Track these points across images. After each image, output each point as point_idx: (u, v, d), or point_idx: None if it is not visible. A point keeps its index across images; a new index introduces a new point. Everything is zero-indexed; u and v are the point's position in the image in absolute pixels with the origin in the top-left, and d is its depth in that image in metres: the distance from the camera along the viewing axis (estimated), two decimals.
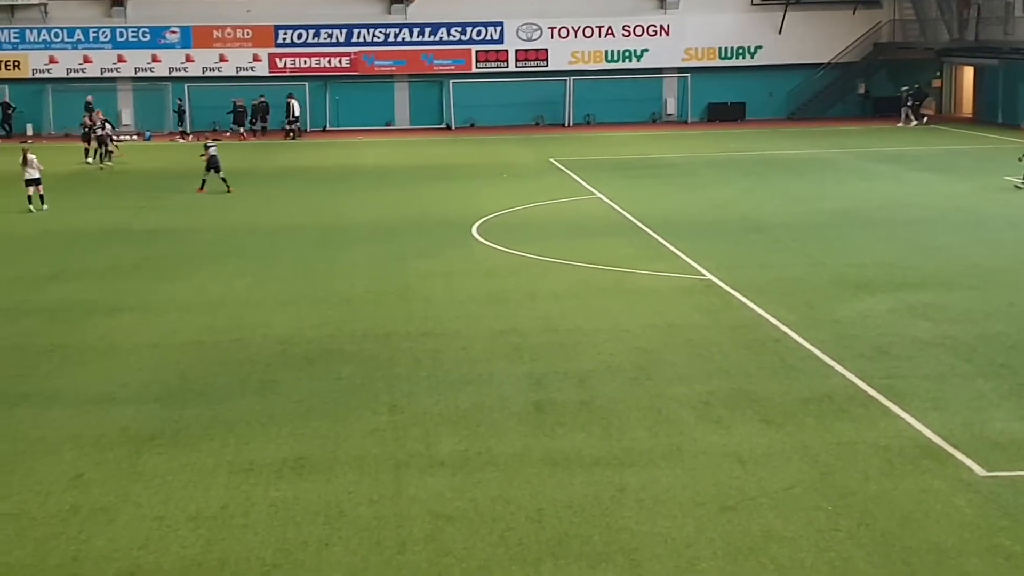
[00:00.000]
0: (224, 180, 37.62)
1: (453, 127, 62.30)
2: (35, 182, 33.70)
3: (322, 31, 61.57)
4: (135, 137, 58.04)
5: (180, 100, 59.40)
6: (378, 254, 26.68)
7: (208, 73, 61.07)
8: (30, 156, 33.77)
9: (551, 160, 46.21)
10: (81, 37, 60.38)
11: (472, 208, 33.26)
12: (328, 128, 61.92)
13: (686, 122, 63.85)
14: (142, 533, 11.69)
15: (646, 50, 63.30)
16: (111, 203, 35.71)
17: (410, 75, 62.62)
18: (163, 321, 20.62)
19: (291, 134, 57.64)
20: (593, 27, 62.84)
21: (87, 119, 46.25)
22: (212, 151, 38.16)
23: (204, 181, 37.88)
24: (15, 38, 60.21)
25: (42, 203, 33.80)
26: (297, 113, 58.61)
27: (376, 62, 62.05)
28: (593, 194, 36.22)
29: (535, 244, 27.21)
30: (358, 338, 19.19)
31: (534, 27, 62.51)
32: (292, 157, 49.94)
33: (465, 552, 11.21)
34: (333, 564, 11.01)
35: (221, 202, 35.88)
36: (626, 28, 63.06)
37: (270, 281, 23.98)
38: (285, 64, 61.67)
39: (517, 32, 62.53)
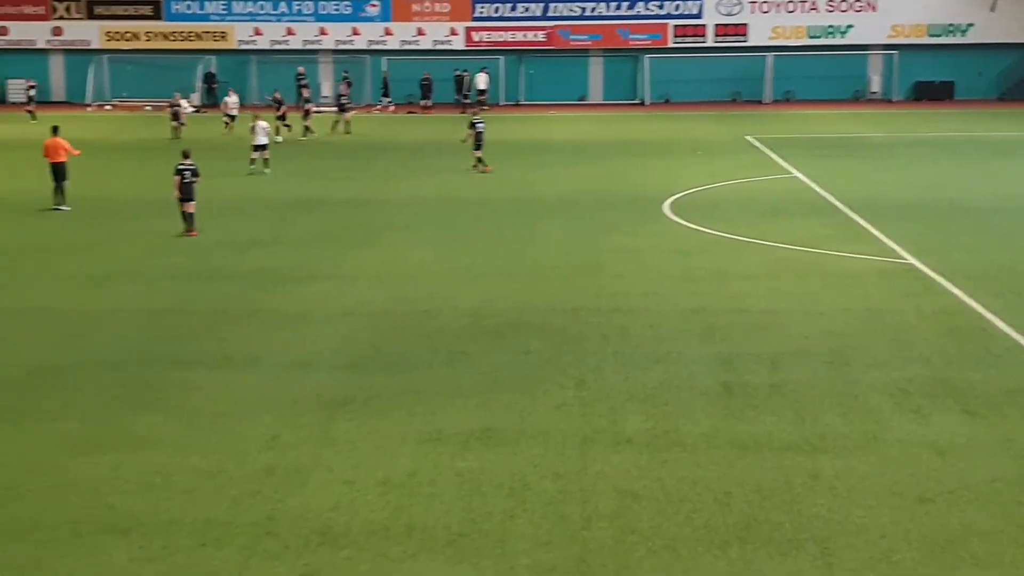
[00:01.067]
0: (480, 160, 36.05)
1: (647, 103, 61.79)
2: (262, 147, 35.59)
3: (519, 5, 61.74)
4: (333, 109, 59.24)
5: (346, 72, 59.86)
6: (568, 229, 26.62)
7: (405, 47, 61.90)
8: (260, 123, 35.75)
9: (747, 138, 45.41)
10: (285, 9, 61.88)
11: (664, 185, 32.91)
12: (521, 103, 62.12)
13: (891, 101, 61.95)
14: (333, 496, 11.90)
15: (851, 26, 61.60)
16: (313, 172, 36.50)
17: (605, 50, 62.32)
18: (356, 290, 20.97)
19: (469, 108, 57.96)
20: (796, 2, 61.44)
21: (277, 94, 47.22)
22: (480, 127, 35.97)
23: (480, 160, 35.84)
24: (223, 10, 62.05)
25: (265, 166, 35.61)
26: (482, 87, 58.95)
27: (572, 36, 61.95)
28: (790, 173, 35.45)
29: (728, 223, 26.75)
30: (547, 312, 19.17)
31: (734, 2, 61.48)
32: (437, 129, 50.24)
33: (651, 531, 11.08)
34: (518, 536, 11.01)
35: (413, 174, 36.30)
36: (831, 4, 61.48)
37: (461, 253, 24.16)
38: (481, 38, 62.08)
39: (717, 7, 61.60)
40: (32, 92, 54.27)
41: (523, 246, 24.77)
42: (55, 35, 62.35)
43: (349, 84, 54.57)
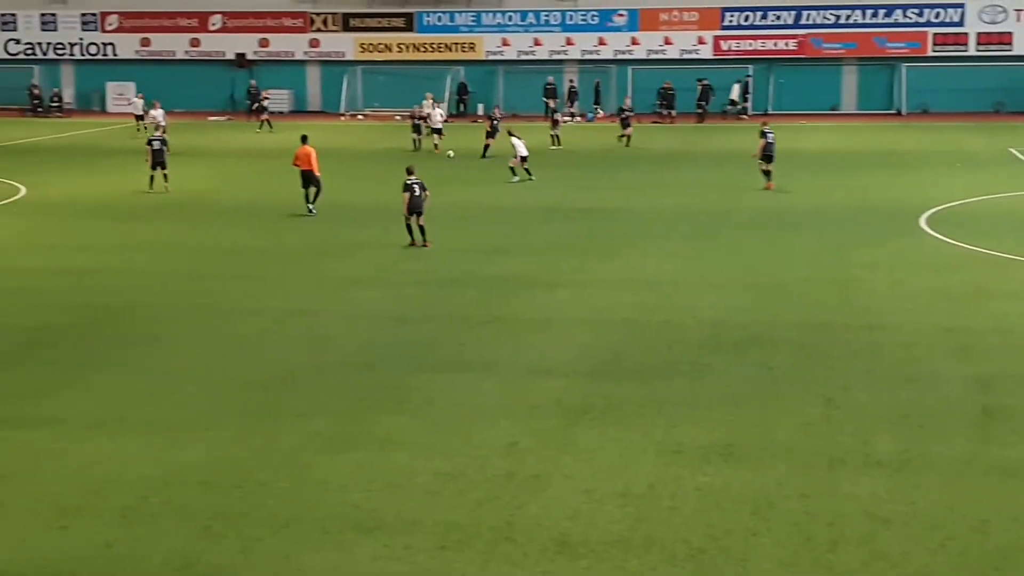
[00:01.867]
0: (767, 174, 34.18)
1: (904, 112, 59.77)
2: (524, 158, 36.05)
3: (770, 13, 60.69)
4: (578, 118, 59.47)
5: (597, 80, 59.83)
6: (816, 240, 25.92)
7: (652, 56, 61.67)
8: (514, 139, 36.41)
9: (1011, 150, 43.38)
10: (533, 20, 62.54)
11: (921, 197, 31.71)
12: (770, 112, 61.03)
13: None
14: (572, 504, 11.82)
15: None
16: (554, 181, 36.68)
17: (859, 58, 60.60)
18: (597, 298, 20.90)
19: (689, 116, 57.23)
20: None
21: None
22: (771, 138, 34.08)
23: (768, 173, 33.92)
24: (472, 21, 63.17)
25: (529, 175, 36.04)
26: (734, 97, 58.24)
27: (824, 45, 60.49)
28: None
29: (990, 239, 25.55)
30: (791, 326, 18.67)
31: (998, 9, 58.87)
32: (731, 140, 49.58)
33: (901, 558, 10.59)
34: (761, 555, 10.69)
35: (654, 183, 36.06)
36: None
37: (702, 263, 23.83)
38: (729, 47, 61.31)
39: (980, 14, 59.10)
40: (265, 102, 56.03)
41: (768, 257, 24.25)
42: (312, 47, 64.66)
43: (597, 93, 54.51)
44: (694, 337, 18.11)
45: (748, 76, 59.30)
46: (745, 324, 18.83)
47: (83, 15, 66.04)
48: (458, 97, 62.58)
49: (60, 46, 66.40)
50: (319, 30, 64.34)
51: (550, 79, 59.44)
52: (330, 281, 22.40)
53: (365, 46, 63.99)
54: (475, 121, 50.15)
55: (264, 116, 54.27)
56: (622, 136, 46.92)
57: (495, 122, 43.60)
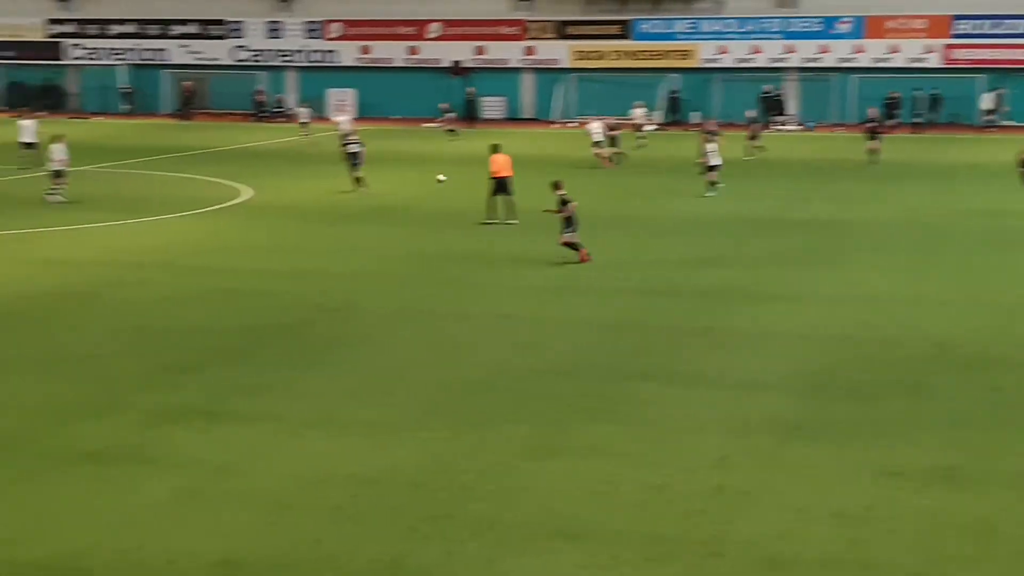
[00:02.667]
0: None
1: None
2: (715, 167, 35.09)
3: (1004, 22, 58.34)
4: (798, 126, 58.36)
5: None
6: None
7: (877, 64, 60.03)
8: (709, 146, 35.26)
9: None
10: (753, 27, 61.67)
11: None
12: (999, 124, 58.64)
13: None
14: (783, 523, 11.47)
15: None
16: (767, 192, 36.02)
17: None
18: (813, 312, 20.36)
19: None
20: None
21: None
22: None
23: None
24: (689, 28, 62.67)
25: (713, 189, 34.93)
26: (988, 107, 56.40)
27: None
28: None
29: None
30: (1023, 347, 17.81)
31: None
32: (963, 152, 47.87)
33: None
34: None
35: (874, 195, 35.00)
36: None
37: (927, 279, 22.98)
38: (959, 56, 59.17)
39: None
40: (451, 114, 56.51)
41: (999, 275, 23.24)
42: (527, 54, 65.22)
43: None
44: (917, 355, 17.44)
45: (999, 88, 57.05)
46: (972, 343, 18.05)
47: (307, 23, 68.14)
48: (670, 104, 62.15)
49: (284, 53, 68.66)
50: (535, 37, 64.83)
51: (767, 87, 58.52)
52: (538, 288, 22.42)
53: (580, 53, 64.19)
54: (687, 130, 49.61)
55: (446, 124, 55.04)
56: (871, 150, 43.12)
57: (711, 134, 41.37)
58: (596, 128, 42.71)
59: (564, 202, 24.58)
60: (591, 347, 18.16)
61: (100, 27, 70.76)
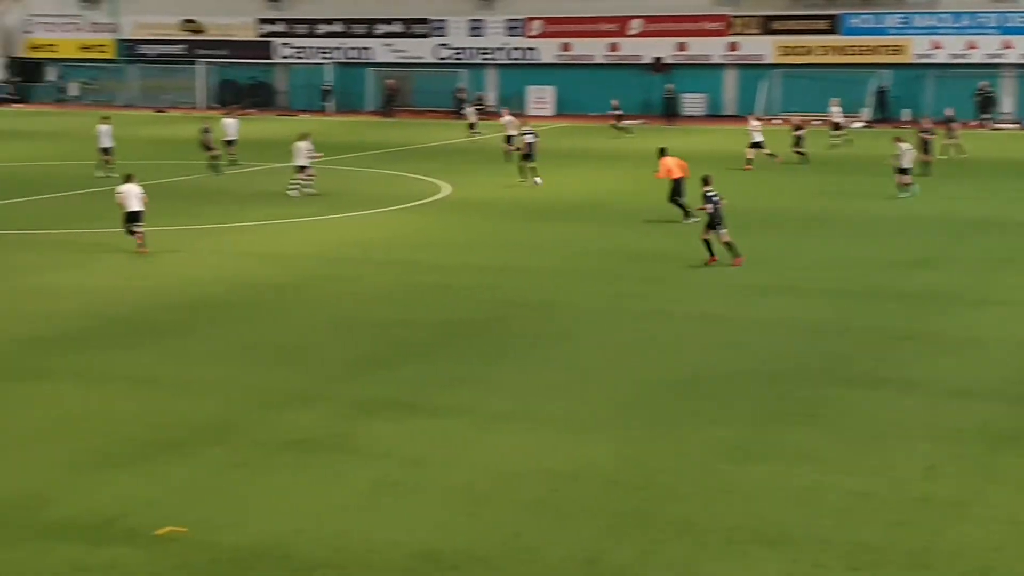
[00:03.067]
0: None
1: None
2: (905, 171, 33.23)
3: None
4: (1014, 124, 56.09)
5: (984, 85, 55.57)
6: None
7: None
8: (903, 145, 33.45)
9: None
10: (968, 22, 59.50)
11: None
12: None
13: None
14: (996, 535, 11.01)
15: None
16: (976, 192, 34.67)
17: None
18: None
19: None
20: None
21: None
22: None
23: None
24: (900, 23, 60.86)
25: (906, 190, 33.15)
26: None
27: None
28: None
29: None
30: None
31: None
32: None
33: None
34: None
35: None
36: None
37: None
38: None
39: None
40: (619, 111, 55.69)
41: None
42: (730, 50, 64.37)
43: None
44: None
45: None
46: None
47: (508, 21, 68.66)
48: (878, 102, 60.47)
49: (486, 51, 69.31)
50: (738, 33, 63.95)
51: (982, 84, 56.39)
52: (738, 288, 22.04)
53: (785, 49, 63.04)
54: (896, 127, 48.14)
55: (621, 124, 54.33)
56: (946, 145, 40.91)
57: (926, 135, 38.76)
58: (755, 126, 41.56)
59: (708, 198, 23.77)
60: (795, 349, 17.75)
61: (308, 26, 72.69)
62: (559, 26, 67.37)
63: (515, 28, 68.66)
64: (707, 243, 23.74)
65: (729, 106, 64.70)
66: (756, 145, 40.44)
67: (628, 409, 14.85)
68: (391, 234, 28.10)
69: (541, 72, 67.75)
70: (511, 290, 21.90)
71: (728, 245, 23.65)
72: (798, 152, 41.58)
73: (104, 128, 38.51)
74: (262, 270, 23.72)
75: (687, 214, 28.62)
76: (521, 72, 68.35)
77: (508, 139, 42.22)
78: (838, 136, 47.83)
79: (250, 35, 74.08)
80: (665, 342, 18.25)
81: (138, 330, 18.92)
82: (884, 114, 59.54)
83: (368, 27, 71.45)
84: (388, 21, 70.91)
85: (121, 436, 13.80)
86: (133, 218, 25.22)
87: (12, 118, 65.22)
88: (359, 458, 13.16)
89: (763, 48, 63.54)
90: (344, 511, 11.69)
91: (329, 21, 72.07)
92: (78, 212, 31.39)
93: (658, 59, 64.84)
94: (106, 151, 38.39)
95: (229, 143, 41.63)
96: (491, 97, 68.43)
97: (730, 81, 65.02)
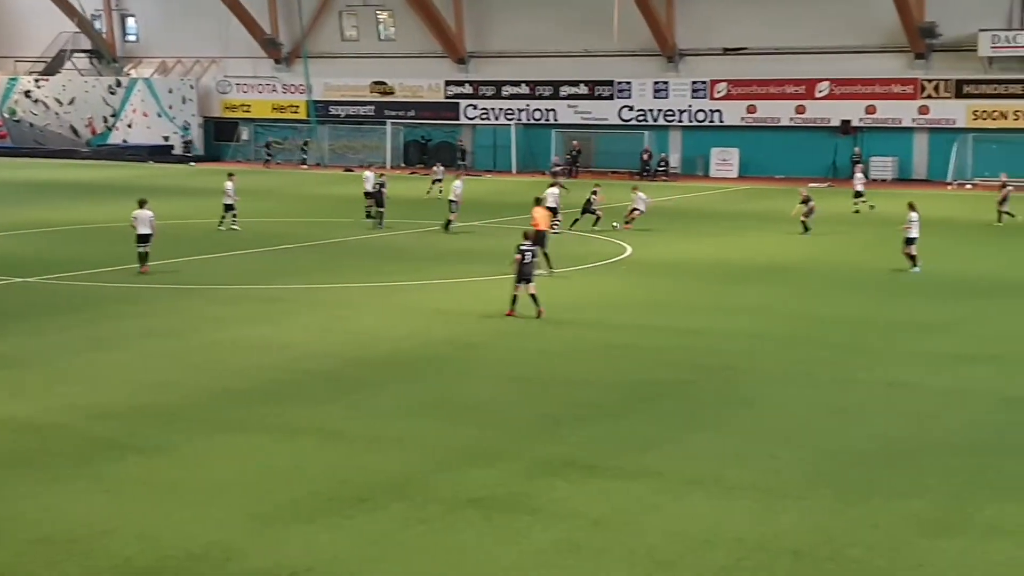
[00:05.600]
0: None
1: None
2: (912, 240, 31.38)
3: None
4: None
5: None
6: None
7: None
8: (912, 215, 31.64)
9: None
10: None
11: None
12: None
13: None
14: None
15: None
16: None
17: None
18: None
19: None
20: None
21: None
22: None
23: None
24: None
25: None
26: None
27: None
28: None
29: None
30: None
31: None
32: None
33: None
34: None
35: None
36: None
37: None
38: None
39: None
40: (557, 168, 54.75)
41: None
42: (921, 113, 63.04)
43: None
44: None
45: None
46: None
47: (694, 83, 68.60)
48: None
49: (670, 112, 69.33)
50: (929, 96, 62.64)
51: None
52: (933, 355, 21.42)
53: (978, 113, 61.46)
54: None
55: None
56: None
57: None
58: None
59: (521, 250, 24.59)
60: (992, 420, 17.15)
61: (494, 88, 73.89)
62: (745, 88, 67.16)
63: (700, 90, 68.56)
64: (515, 297, 24.64)
65: (919, 170, 63.37)
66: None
67: (815, 478, 14.49)
68: (574, 293, 28.15)
69: (725, 134, 67.53)
70: (698, 353, 21.69)
71: (534, 298, 24.56)
72: (1006, 213, 40.55)
73: (229, 185, 40.02)
74: (446, 328, 24.00)
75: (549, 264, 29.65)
76: (705, 134, 68.27)
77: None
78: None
79: (439, 96, 75.61)
80: (852, 410, 17.80)
81: (326, 385, 19.32)
82: None
83: (553, 88, 72.24)
84: (574, 83, 71.55)
85: (308, 490, 14.06)
86: (143, 239, 30.09)
87: (207, 176, 67.70)
88: (542, 518, 13.13)
89: (955, 112, 62.09)
90: (526, 571, 11.65)
91: (516, 83, 73.12)
92: (268, 268, 32.32)
93: (846, 122, 63.95)
94: (229, 207, 40.07)
95: (368, 195, 42.55)
96: (675, 158, 68.39)
97: (920, 144, 63.66)
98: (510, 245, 36.13)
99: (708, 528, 12.75)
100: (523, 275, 24.66)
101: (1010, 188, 43.16)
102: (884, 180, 61.91)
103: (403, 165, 74.27)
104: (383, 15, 77.74)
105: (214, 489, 14.10)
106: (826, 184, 58.77)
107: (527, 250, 24.75)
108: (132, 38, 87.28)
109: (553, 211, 36.88)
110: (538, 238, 28.29)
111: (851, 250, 32.29)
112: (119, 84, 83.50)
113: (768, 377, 19.92)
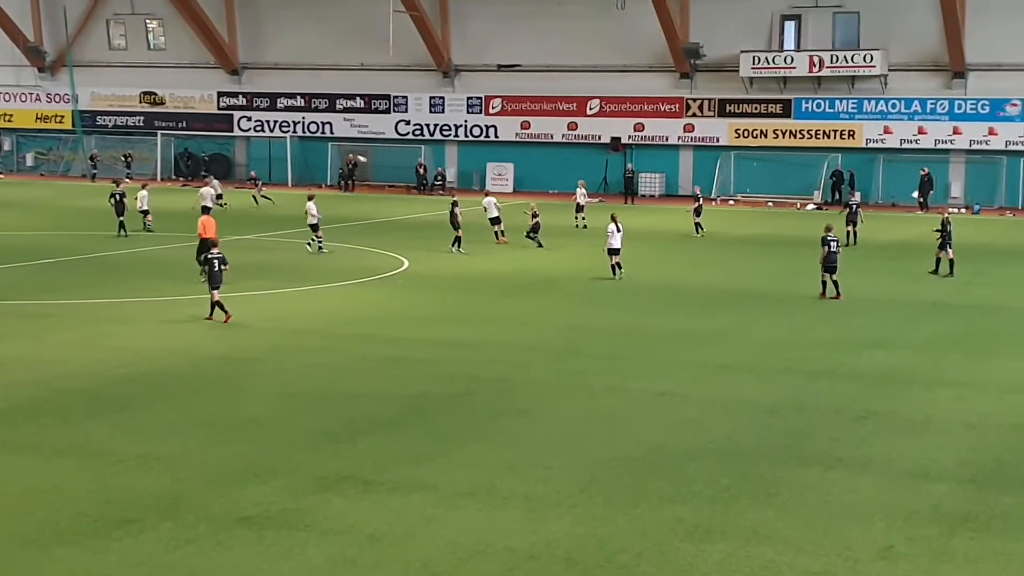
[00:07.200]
0: None
1: None
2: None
3: None
4: (963, 210, 56.96)
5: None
6: None
7: None
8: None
9: None
10: (918, 108, 60.52)
11: None
12: None
13: None
14: None
15: None
16: (928, 275, 35.11)
17: None
18: (981, 400, 19.71)
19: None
20: None
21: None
22: None
23: None
24: (852, 108, 61.84)
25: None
26: None
27: None
28: None
29: None
30: None
31: None
32: None
33: None
34: None
35: None
36: None
37: None
38: None
39: None
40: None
41: None
42: (686, 131, 65.19)
43: None
44: None
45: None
46: None
47: (469, 99, 69.23)
48: (832, 183, 61.30)
49: (446, 127, 69.79)
50: (694, 115, 64.78)
51: (924, 170, 57.56)
52: (698, 365, 22.16)
53: (740, 131, 63.90)
54: (842, 210, 48.72)
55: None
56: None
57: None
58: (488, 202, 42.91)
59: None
60: (752, 428, 17.82)
61: (269, 100, 72.98)
62: (518, 104, 67.88)
63: (475, 106, 69.11)
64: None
65: (685, 186, 65.36)
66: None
67: (587, 487, 14.81)
68: (350, 308, 28.06)
69: (500, 149, 68.33)
70: (472, 365, 21.88)
71: (218, 303, 25.41)
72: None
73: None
74: (220, 343, 23.59)
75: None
76: (481, 149, 68.92)
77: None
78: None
79: (210, 108, 74.24)
80: (622, 419, 18.24)
81: (90, 403, 18.73)
82: (837, 197, 60.06)
83: (329, 102, 71.81)
84: (350, 96, 71.30)
85: (71, 510, 13.61)
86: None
87: None
88: (314, 534, 13.03)
89: (719, 130, 64.32)
90: None
91: (291, 95, 72.41)
92: (28, 283, 31.13)
93: (616, 139, 65.56)
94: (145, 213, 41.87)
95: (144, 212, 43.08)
96: (451, 173, 68.89)
97: (686, 161, 65.70)
98: (290, 258, 35.90)
99: (481, 539, 12.88)
100: (215, 281, 25.44)
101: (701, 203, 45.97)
102: (653, 196, 63.71)
103: (174, 177, 72.56)
104: (152, 24, 75.83)
105: None
106: (597, 199, 60.12)
107: (215, 257, 25.62)
108: None
109: (497, 220, 40.52)
110: None
111: (594, 261, 33.14)
112: None
113: (542, 387, 20.26)
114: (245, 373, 21.13)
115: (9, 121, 78.29)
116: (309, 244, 37.96)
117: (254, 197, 55.56)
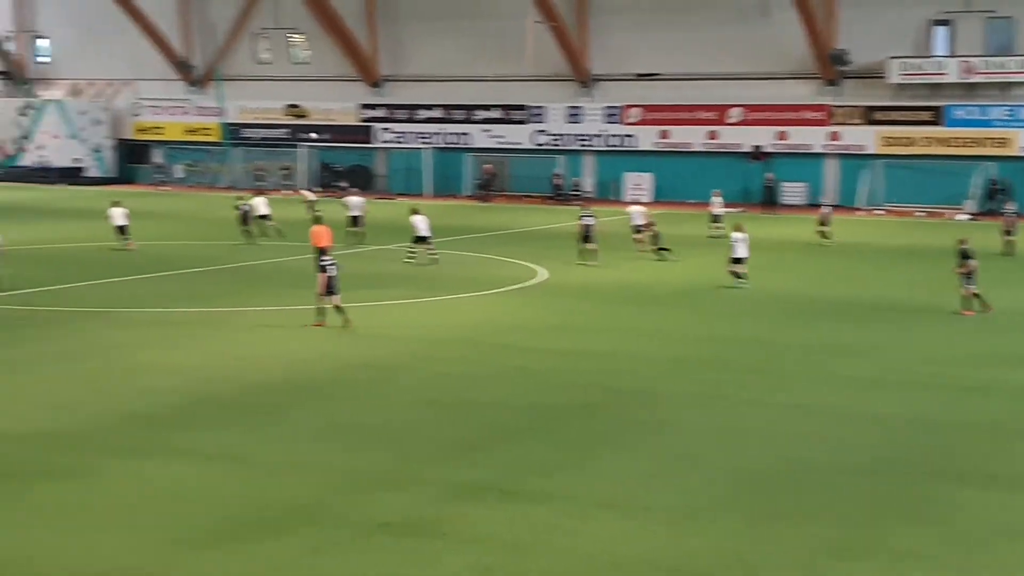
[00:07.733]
0: None
1: None
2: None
3: None
4: None
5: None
6: None
7: None
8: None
9: None
10: None
11: None
12: None
13: None
14: None
15: None
16: None
17: None
18: None
19: None
20: None
21: None
22: None
23: None
24: (1006, 115, 60.03)
25: None
26: None
27: None
28: None
29: None
30: None
31: None
32: None
33: None
34: None
35: None
36: None
37: None
38: None
39: None
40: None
41: None
42: (831, 140, 64.02)
43: None
44: None
45: None
46: None
47: (607, 108, 69.01)
48: (988, 194, 59.56)
49: (583, 137, 69.66)
50: (840, 123, 63.59)
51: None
52: (840, 378, 21.59)
53: (888, 139, 62.52)
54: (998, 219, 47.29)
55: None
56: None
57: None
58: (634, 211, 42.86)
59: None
60: (900, 444, 17.27)
61: (408, 111, 73.77)
62: (657, 114, 67.54)
63: (613, 116, 68.95)
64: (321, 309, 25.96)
65: (830, 196, 64.25)
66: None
67: (725, 501, 14.49)
68: (488, 317, 28.04)
69: (638, 159, 68.03)
70: (609, 376, 21.65)
71: (339, 309, 25.73)
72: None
73: (117, 211, 41.01)
74: (362, 351, 23.74)
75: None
76: (618, 159, 68.71)
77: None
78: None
79: (351, 120, 75.32)
80: (764, 433, 17.81)
81: (234, 409, 18.99)
82: (991, 206, 58.24)
83: (467, 113, 72.26)
84: (487, 107, 71.67)
85: (219, 515, 13.79)
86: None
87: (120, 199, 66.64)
88: (452, 543, 12.96)
89: (865, 138, 63.07)
90: None
91: (429, 107, 73.07)
92: (175, 292, 31.82)
93: (757, 147, 64.68)
94: (121, 229, 40.80)
95: (263, 217, 45.16)
96: (588, 183, 68.73)
97: (831, 170, 64.52)
98: (428, 268, 36.13)
99: (620, 551, 12.67)
100: (331, 287, 25.88)
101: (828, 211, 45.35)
102: (797, 205, 62.64)
103: (318, 188, 73.79)
104: (297, 38, 77.31)
105: (127, 514, 13.79)
106: (740, 210, 59.33)
107: (328, 263, 26.04)
108: (44, 59, 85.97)
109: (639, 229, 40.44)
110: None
111: (758, 274, 32.62)
112: (30, 106, 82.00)
113: (680, 399, 19.94)
114: (383, 380, 21.22)
115: (160, 133, 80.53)
116: (411, 256, 37.52)
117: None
